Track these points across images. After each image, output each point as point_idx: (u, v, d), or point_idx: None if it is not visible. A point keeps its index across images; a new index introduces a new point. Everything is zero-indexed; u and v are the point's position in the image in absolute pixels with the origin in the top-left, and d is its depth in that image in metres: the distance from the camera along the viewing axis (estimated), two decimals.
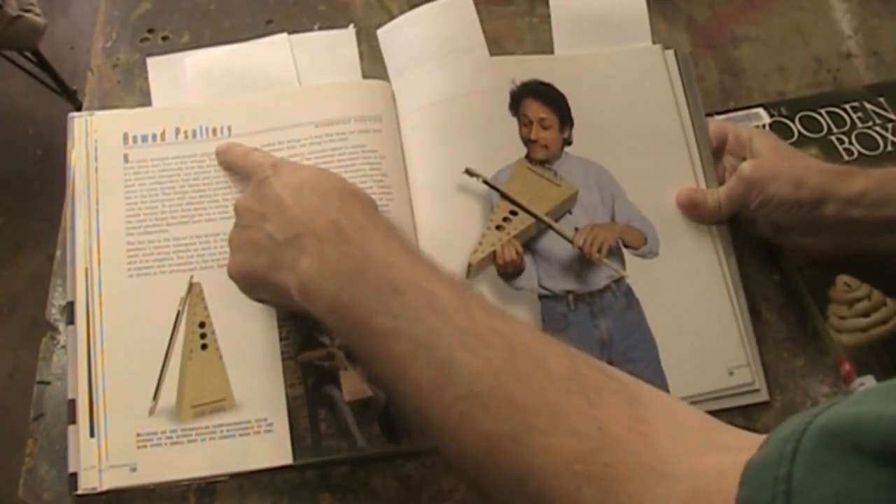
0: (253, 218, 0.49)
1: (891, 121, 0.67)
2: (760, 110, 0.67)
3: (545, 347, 0.40)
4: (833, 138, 0.66)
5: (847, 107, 0.68)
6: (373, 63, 0.68)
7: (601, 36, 0.67)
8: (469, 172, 0.59)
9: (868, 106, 0.68)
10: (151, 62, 0.67)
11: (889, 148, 0.66)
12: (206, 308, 0.55)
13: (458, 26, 0.64)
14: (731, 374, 0.56)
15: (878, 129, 0.67)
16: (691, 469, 0.34)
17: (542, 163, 0.61)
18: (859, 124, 0.67)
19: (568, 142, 0.62)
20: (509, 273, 0.57)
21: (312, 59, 0.66)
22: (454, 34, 0.64)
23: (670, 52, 0.66)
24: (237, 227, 0.52)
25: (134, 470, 0.52)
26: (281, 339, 0.55)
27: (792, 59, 0.72)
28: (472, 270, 0.57)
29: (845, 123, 0.67)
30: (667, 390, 0.55)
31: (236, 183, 0.59)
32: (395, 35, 0.65)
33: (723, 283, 0.59)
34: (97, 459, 0.52)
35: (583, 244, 0.59)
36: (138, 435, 0.52)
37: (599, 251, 0.58)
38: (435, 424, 0.40)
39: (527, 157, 0.61)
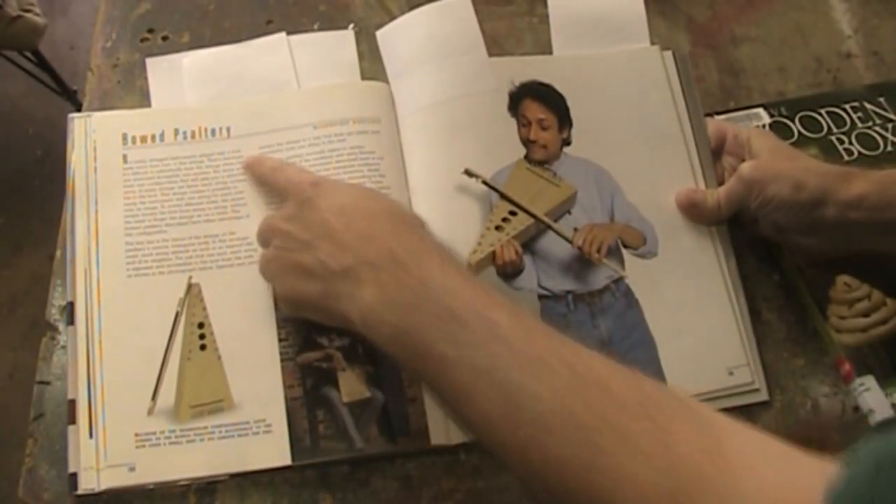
0: (297, 243, 0.49)
1: (891, 121, 0.67)
2: (760, 110, 0.67)
3: (608, 371, 0.40)
4: (833, 138, 0.66)
5: (847, 107, 0.68)
6: (373, 63, 0.68)
7: (599, 37, 0.67)
8: (468, 173, 0.59)
9: (868, 106, 0.68)
10: (150, 62, 0.67)
11: (889, 148, 0.66)
12: (204, 309, 0.55)
13: (457, 28, 0.64)
14: (730, 373, 0.56)
15: (878, 129, 0.67)
16: (766, 490, 0.33)
17: (542, 163, 0.61)
18: (859, 124, 0.67)
19: (567, 142, 0.62)
20: (509, 273, 0.58)
21: (311, 60, 0.66)
22: (453, 35, 0.64)
23: (668, 53, 0.66)
24: (277, 248, 0.51)
25: (132, 470, 0.52)
26: (280, 341, 0.55)
27: (792, 59, 0.72)
28: (472, 271, 0.57)
29: (845, 123, 0.67)
30: None
31: (236, 184, 0.59)
32: (394, 36, 0.66)
33: (722, 283, 0.59)
34: (95, 460, 0.52)
35: (582, 244, 0.59)
36: (137, 435, 0.52)
37: (599, 251, 0.58)
38: (502, 449, 0.40)
39: (526, 157, 0.61)
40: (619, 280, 0.58)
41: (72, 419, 0.53)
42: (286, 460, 0.52)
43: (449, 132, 0.61)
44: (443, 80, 0.62)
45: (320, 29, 0.72)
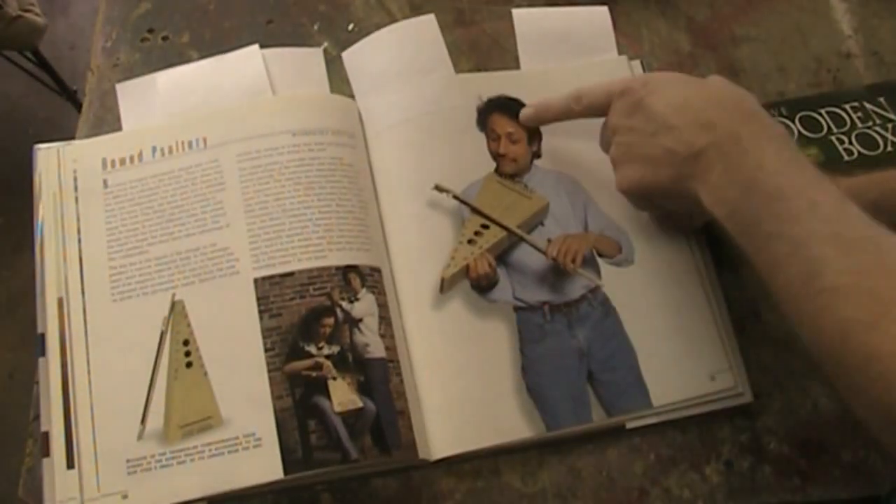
0: (639, 136, 0.53)
1: (891, 121, 0.67)
2: None
3: None
4: (833, 138, 0.66)
5: (847, 107, 0.68)
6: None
7: (567, 50, 0.67)
8: (438, 188, 0.60)
9: (868, 106, 0.68)
10: (121, 88, 0.65)
11: (889, 148, 0.66)
12: (189, 325, 0.54)
13: (423, 46, 0.65)
14: (712, 378, 0.56)
15: (878, 129, 0.67)
16: None
17: (512, 176, 0.61)
18: (859, 124, 0.67)
19: (537, 155, 0.62)
20: (483, 286, 0.57)
21: (283, 74, 0.65)
22: (419, 54, 0.65)
23: (636, 63, 0.66)
24: (619, 143, 0.54)
25: (126, 497, 0.50)
26: (266, 351, 0.54)
27: (792, 59, 0.72)
28: (445, 285, 0.57)
29: (845, 123, 0.67)
30: (648, 398, 0.55)
31: (214, 194, 0.58)
32: (361, 57, 0.66)
33: (700, 289, 0.58)
34: (79, 491, 0.50)
35: (556, 254, 0.59)
36: (128, 461, 0.51)
37: (574, 261, 0.58)
38: (797, 314, 0.44)
39: (496, 170, 0.61)
40: (595, 289, 0.58)
41: (45, 452, 0.52)
42: (278, 474, 0.51)
43: (418, 148, 0.61)
44: (410, 97, 0.63)
45: (320, 30, 0.72)
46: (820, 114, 0.67)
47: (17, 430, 0.64)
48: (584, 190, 0.61)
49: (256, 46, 0.66)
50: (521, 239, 0.59)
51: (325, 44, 0.71)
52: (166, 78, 0.65)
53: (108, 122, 0.67)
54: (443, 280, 0.57)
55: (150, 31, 0.72)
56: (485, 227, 0.59)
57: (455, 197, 0.60)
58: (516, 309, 0.57)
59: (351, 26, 0.71)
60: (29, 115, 1.88)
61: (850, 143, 0.66)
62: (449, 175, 0.60)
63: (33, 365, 0.57)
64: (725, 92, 0.52)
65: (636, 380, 0.56)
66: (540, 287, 0.58)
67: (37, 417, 0.56)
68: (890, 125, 0.67)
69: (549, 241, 0.59)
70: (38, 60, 1.61)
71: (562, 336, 0.57)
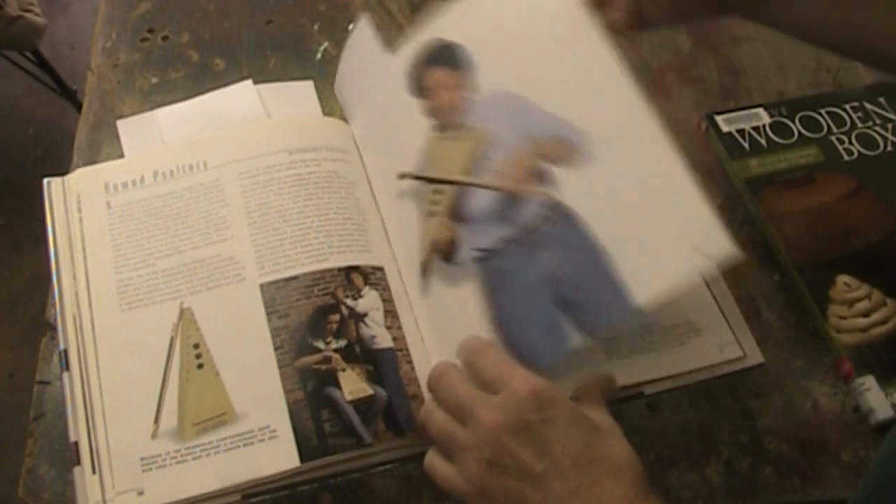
0: (525, 472, 0.44)
1: (891, 121, 0.67)
2: (760, 110, 0.67)
3: None
4: (833, 138, 0.66)
5: (847, 107, 0.68)
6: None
7: None
8: (402, 176, 0.60)
9: (868, 106, 0.68)
10: (122, 124, 0.66)
11: (889, 148, 0.66)
12: (198, 330, 0.55)
13: (366, 57, 0.65)
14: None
15: (878, 129, 0.67)
16: None
17: (450, 126, 0.59)
18: (859, 124, 0.67)
19: (473, 90, 0.59)
20: (448, 252, 0.57)
21: (276, 105, 0.68)
22: (366, 63, 0.65)
23: None
24: (492, 465, 0.45)
25: (141, 494, 0.51)
26: (276, 349, 0.55)
27: (792, 59, 0.72)
28: (426, 269, 0.58)
29: (845, 123, 0.67)
30: (626, 301, 0.50)
31: (218, 210, 0.59)
32: (342, 83, 0.68)
33: (677, 162, 0.50)
34: (101, 493, 0.51)
35: (509, 184, 0.56)
36: (142, 459, 0.52)
37: (528, 182, 0.55)
38: None
39: (436, 127, 0.60)
40: (556, 205, 0.54)
41: (76, 461, 0.52)
42: (294, 462, 0.52)
43: (387, 144, 0.62)
44: (372, 107, 0.64)
45: (320, 30, 0.72)
46: (820, 114, 0.67)
47: (17, 430, 0.64)
48: (523, 99, 0.57)
49: (250, 81, 0.68)
50: (472, 185, 0.57)
51: (325, 44, 0.71)
52: (166, 113, 0.67)
53: (108, 122, 0.67)
54: (422, 265, 0.57)
55: (150, 31, 0.72)
56: (439, 192, 0.58)
57: (414, 176, 0.60)
58: (476, 261, 0.56)
59: (351, 26, 0.71)
60: (29, 115, 1.88)
61: (850, 142, 0.66)
62: (408, 158, 0.60)
63: (33, 365, 0.57)
64: (611, 452, 0.46)
65: (611, 288, 0.51)
66: (497, 226, 0.56)
67: (37, 417, 0.56)
68: (890, 125, 0.67)
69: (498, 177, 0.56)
70: (38, 60, 1.61)
71: (524, 271, 0.54)
